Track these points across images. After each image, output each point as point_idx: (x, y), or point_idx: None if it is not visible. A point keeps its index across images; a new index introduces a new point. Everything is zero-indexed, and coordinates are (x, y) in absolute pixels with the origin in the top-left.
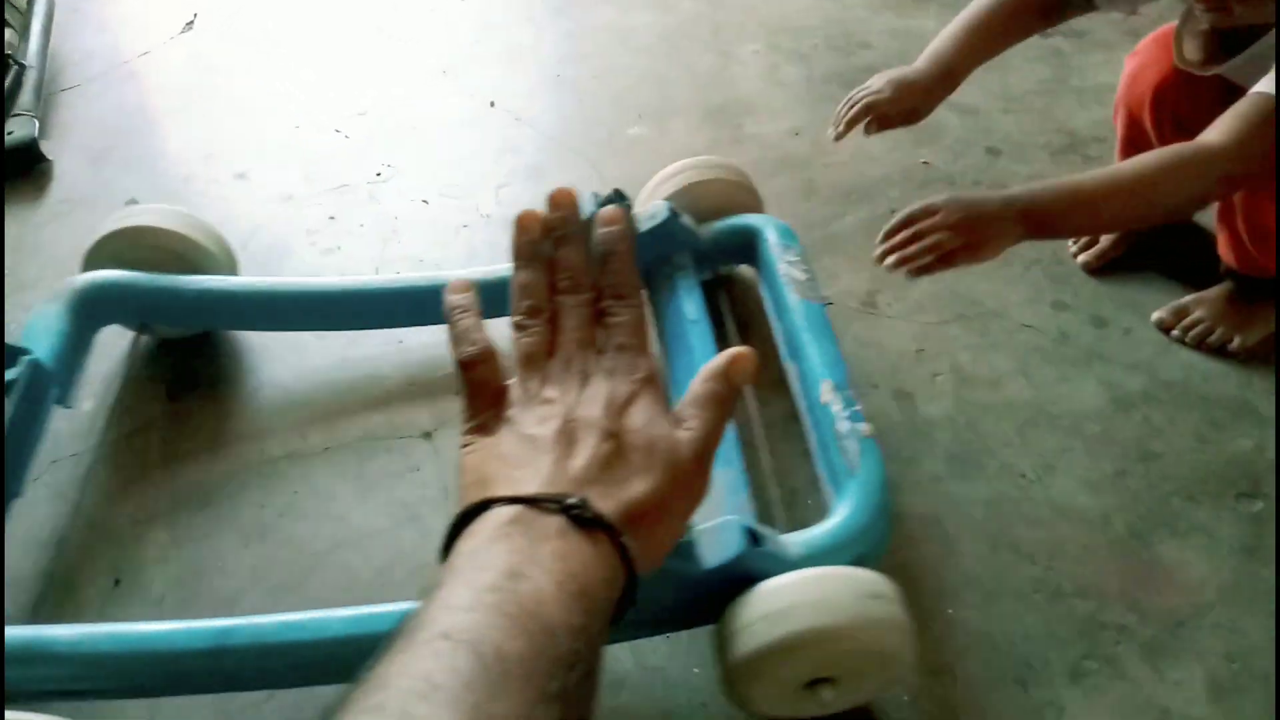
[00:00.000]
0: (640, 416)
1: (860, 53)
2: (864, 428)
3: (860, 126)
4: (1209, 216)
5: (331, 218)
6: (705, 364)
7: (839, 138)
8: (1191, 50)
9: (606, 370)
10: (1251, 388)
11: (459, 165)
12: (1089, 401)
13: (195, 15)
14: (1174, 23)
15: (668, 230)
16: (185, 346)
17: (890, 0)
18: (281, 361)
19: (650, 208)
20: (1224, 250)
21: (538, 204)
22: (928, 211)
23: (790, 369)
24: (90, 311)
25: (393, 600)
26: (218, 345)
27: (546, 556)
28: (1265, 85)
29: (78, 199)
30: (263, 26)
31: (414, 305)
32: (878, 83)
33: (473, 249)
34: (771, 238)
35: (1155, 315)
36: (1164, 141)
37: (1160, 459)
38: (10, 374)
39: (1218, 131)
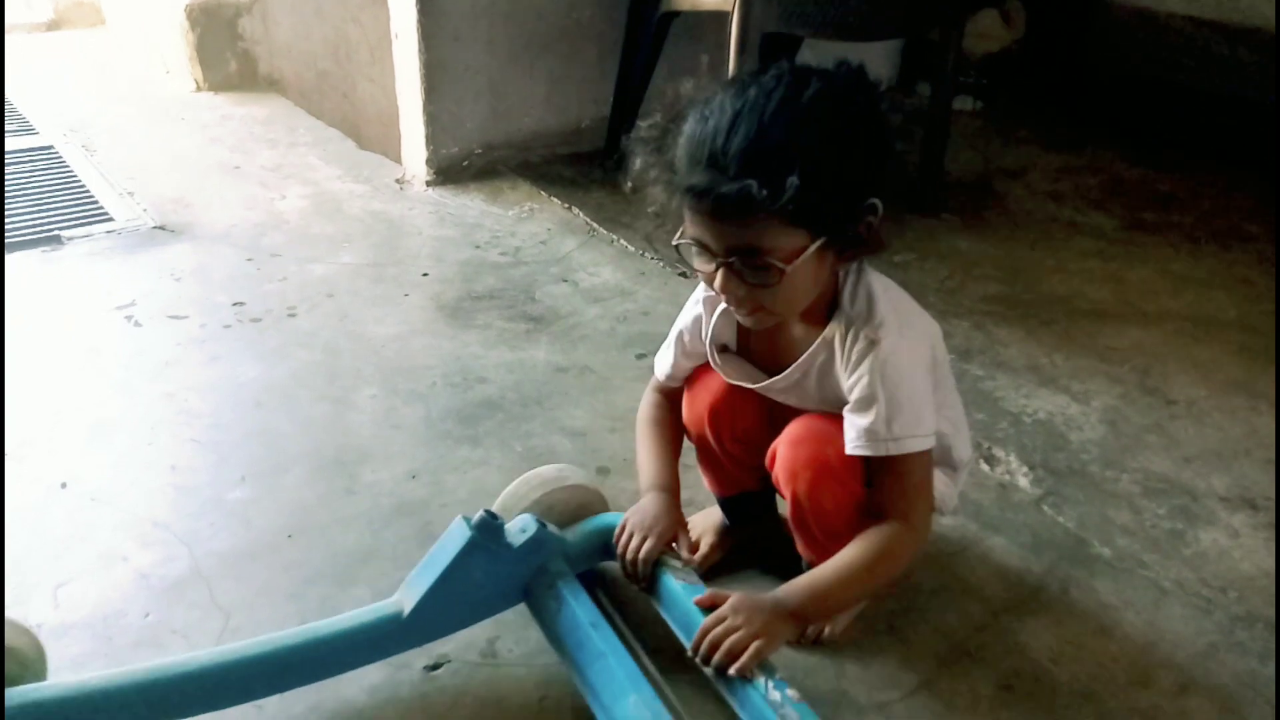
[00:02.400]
0: None
1: (477, 387)
2: (792, 693)
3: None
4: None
5: None
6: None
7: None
8: (730, 371)
9: None
10: (845, 677)
11: (10, 567)
12: None
13: None
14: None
15: (540, 541)
16: None
17: (505, 335)
18: None
19: (517, 522)
20: (802, 549)
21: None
22: (718, 620)
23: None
24: None
25: None
26: None
27: None
28: (857, 447)
29: None
30: None
31: None
32: (637, 537)
33: None
34: None
35: None
36: (727, 452)
37: None
38: None
39: (897, 510)
